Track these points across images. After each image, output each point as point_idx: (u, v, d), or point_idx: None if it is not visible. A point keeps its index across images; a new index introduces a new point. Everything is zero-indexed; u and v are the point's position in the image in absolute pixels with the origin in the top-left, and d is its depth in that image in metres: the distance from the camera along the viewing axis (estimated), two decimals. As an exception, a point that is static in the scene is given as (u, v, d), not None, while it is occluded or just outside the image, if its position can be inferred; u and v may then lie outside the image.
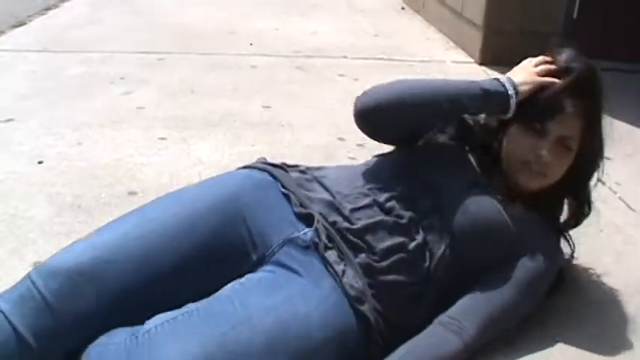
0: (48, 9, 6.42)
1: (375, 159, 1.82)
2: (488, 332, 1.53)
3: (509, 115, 1.72)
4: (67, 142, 2.98)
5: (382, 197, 1.59)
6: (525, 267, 1.60)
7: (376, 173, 1.70)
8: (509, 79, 1.73)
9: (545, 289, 1.70)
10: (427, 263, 1.52)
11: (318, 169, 1.76)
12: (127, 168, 2.74)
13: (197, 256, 1.46)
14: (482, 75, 4.40)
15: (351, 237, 1.51)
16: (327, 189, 1.62)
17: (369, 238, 1.51)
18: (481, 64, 4.65)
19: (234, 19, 5.74)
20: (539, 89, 1.71)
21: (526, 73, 1.74)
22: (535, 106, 1.69)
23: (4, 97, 3.69)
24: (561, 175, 1.74)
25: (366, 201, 1.58)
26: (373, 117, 1.70)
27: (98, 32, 5.20)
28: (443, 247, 1.54)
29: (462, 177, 1.68)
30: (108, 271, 1.38)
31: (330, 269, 1.44)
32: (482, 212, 1.55)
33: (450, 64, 4.67)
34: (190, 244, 1.45)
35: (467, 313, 1.51)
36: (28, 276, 1.41)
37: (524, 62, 1.82)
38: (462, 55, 4.89)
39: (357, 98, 1.72)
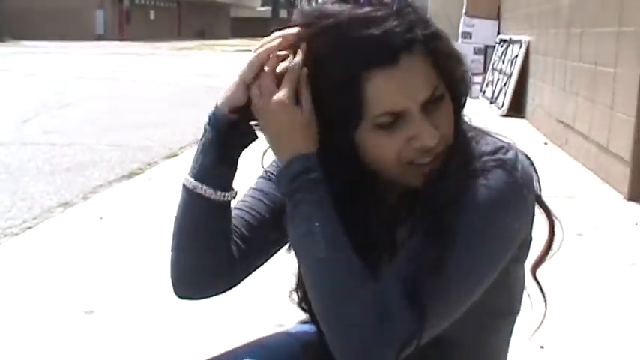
0: (198, 141, 6.77)
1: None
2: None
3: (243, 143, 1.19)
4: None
5: None
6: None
7: None
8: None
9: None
10: None
11: None
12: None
13: None
14: (631, 215, 4.24)
15: None
16: None
17: None
18: (630, 200, 4.48)
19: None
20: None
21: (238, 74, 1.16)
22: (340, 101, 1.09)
23: (155, 225, 3.86)
24: (452, 127, 1.13)
25: None
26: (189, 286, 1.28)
27: (243, 166, 5.42)
28: None
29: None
30: None
31: None
32: None
33: (596, 200, 4.53)
34: None
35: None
36: None
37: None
38: (609, 192, 4.74)
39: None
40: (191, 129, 7.51)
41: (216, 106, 1.18)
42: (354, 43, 1.05)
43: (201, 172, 1.18)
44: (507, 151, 1.13)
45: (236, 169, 1.21)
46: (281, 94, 1.10)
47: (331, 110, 1.10)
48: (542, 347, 2.33)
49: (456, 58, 1.14)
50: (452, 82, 1.12)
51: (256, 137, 1.20)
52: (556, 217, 1.21)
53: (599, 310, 2.79)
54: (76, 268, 3.18)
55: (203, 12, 52.30)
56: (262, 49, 1.14)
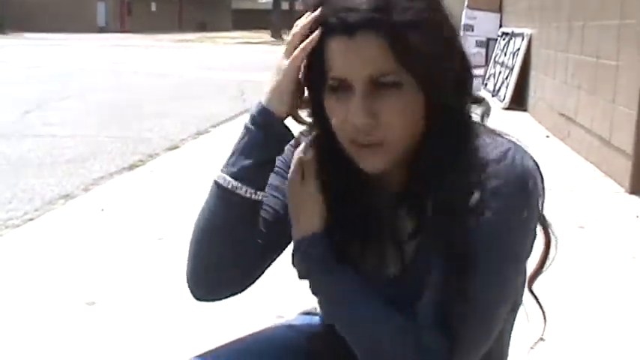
0: (199, 134, 6.78)
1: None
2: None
3: (272, 148, 1.19)
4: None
5: None
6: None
7: None
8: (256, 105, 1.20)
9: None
10: None
11: None
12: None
13: None
14: (632, 208, 4.24)
15: None
16: None
17: None
18: (632, 193, 4.47)
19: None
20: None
21: (276, 67, 1.18)
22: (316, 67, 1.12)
23: (155, 217, 3.87)
24: (410, 124, 1.10)
25: None
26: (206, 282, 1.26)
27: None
28: None
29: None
30: None
31: None
32: None
33: (598, 193, 4.53)
34: None
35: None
36: None
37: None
38: (610, 185, 4.74)
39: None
40: (192, 120, 7.53)
41: (263, 106, 1.17)
42: (329, 11, 1.08)
43: (242, 173, 1.17)
44: (514, 159, 1.10)
45: (273, 167, 1.21)
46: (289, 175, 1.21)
47: (309, 74, 1.14)
48: (543, 340, 2.32)
49: (438, 55, 1.07)
50: (425, 77, 1.07)
51: (293, 135, 1.21)
52: (553, 234, 1.20)
53: (600, 303, 2.79)
54: (77, 260, 3.18)
55: (204, 4, 52.21)
56: (292, 36, 1.15)
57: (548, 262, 1.21)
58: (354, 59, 1.06)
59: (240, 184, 1.17)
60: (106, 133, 6.75)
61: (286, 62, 1.15)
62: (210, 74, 13.55)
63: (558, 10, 7.01)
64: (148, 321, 2.57)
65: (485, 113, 1.17)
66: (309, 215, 1.18)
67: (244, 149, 1.18)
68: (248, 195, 1.17)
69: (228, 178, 1.18)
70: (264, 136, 1.17)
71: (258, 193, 1.18)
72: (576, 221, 3.70)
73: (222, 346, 1.31)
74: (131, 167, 5.24)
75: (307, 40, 1.12)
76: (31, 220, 3.88)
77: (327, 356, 1.30)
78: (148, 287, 2.86)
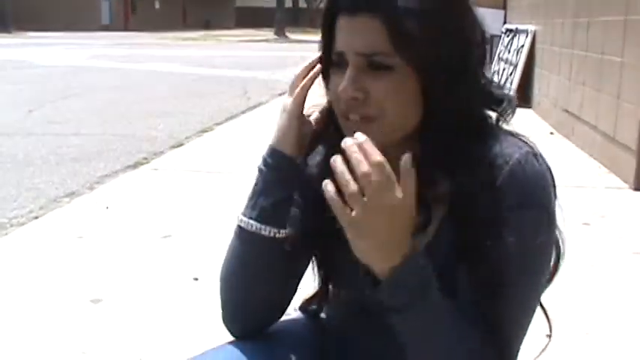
0: (203, 131, 6.79)
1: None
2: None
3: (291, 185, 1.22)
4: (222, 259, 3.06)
5: None
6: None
7: None
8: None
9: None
10: None
11: None
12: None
13: None
14: (637, 204, 4.23)
15: None
16: None
17: None
18: (636, 189, 4.47)
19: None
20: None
21: (282, 106, 1.23)
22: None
23: (160, 215, 3.87)
24: (402, 107, 1.10)
25: None
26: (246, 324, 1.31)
27: (250, 156, 5.42)
28: None
29: None
30: None
31: None
32: None
33: (603, 190, 4.52)
34: None
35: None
36: None
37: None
38: (615, 181, 4.73)
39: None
40: (196, 118, 7.53)
41: (272, 147, 1.21)
42: None
43: (263, 214, 1.20)
44: (533, 166, 1.11)
45: (292, 204, 1.22)
46: (397, 194, 0.97)
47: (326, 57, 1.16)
48: (548, 336, 2.33)
49: (435, 46, 1.07)
50: (418, 65, 1.08)
51: (304, 171, 1.23)
52: (563, 244, 1.20)
53: (605, 300, 2.78)
54: (82, 258, 3.19)
55: (208, 2, 52.20)
56: (295, 77, 1.21)
57: (556, 274, 1.23)
58: (352, 35, 1.09)
59: (262, 225, 1.20)
60: (110, 131, 6.76)
61: (289, 101, 1.20)
62: (214, 72, 13.56)
63: (563, 6, 7.00)
64: (153, 319, 2.57)
65: (503, 114, 1.17)
66: (407, 233, 1.02)
67: (261, 191, 1.21)
68: (272, 235, 1.20)
69: (251, 221, 1.21)
70: (277, 176, 1.20)
71: (282, 231, 1.20)
72: (581, 218, 3.70)
73: (226, 343, 1.31)
74: (135, 165, 5.24)
75: (307, 78, 1.20)
76: (36, 218, 3.89)
77: (330, 348, 1.33)
78: (152, 285, 2.87)
